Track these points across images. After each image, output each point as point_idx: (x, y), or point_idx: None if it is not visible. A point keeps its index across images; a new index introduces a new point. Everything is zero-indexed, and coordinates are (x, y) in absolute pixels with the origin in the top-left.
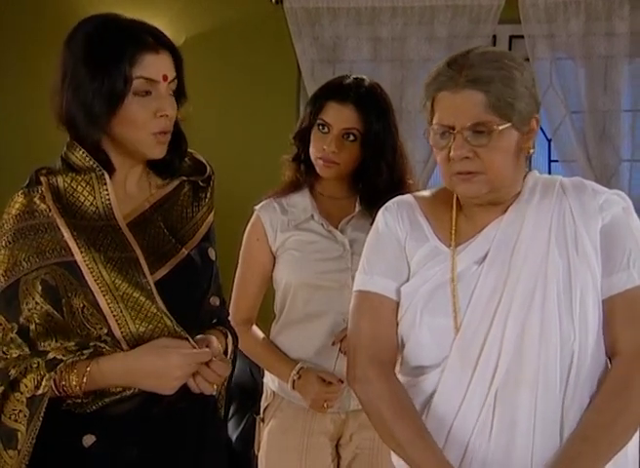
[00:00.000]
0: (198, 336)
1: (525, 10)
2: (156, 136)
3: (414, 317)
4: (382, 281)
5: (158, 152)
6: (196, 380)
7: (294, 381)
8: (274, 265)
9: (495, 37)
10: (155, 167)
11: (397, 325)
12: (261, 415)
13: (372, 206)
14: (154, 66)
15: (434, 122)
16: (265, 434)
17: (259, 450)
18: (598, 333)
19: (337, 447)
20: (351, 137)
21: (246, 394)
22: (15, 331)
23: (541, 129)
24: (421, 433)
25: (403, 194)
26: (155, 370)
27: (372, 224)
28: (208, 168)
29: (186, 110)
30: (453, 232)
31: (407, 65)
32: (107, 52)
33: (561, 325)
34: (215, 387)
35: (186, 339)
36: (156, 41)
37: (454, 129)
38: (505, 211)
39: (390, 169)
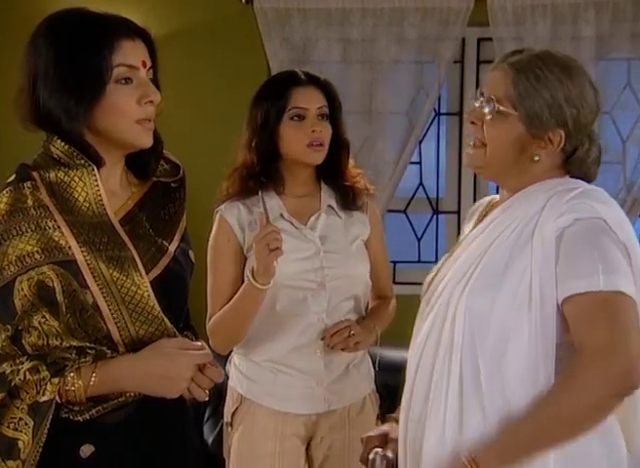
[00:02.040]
0: (197, 343)
1: (493, 13)
2: (141, 123)
3: None
4: None
5: (147, 140)
6: (190, 387)
7: (252, 274)
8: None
9: (464, 39)
10: (132, 167)
11: None
12: (229, 420)
13: (335, 182)
14: (132, 53)
15: None
16: (236, 440)
17: (228, 456)
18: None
19: (307, 449)
20: (325, 117)
21: (221, 397)
22: (9, 333)
23: None
24: None
25: (347, 165)
26: (165, 373)
27: (340, 217)
28: (181, 170)
29: (159, 106)
30: (474, 222)
31: (377, 67)
32: (84, 42)
33: (475, 312)
34: (207, 393)
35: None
36: (129, 28)
37: (482, 96)
38: None
39: (347, 142)
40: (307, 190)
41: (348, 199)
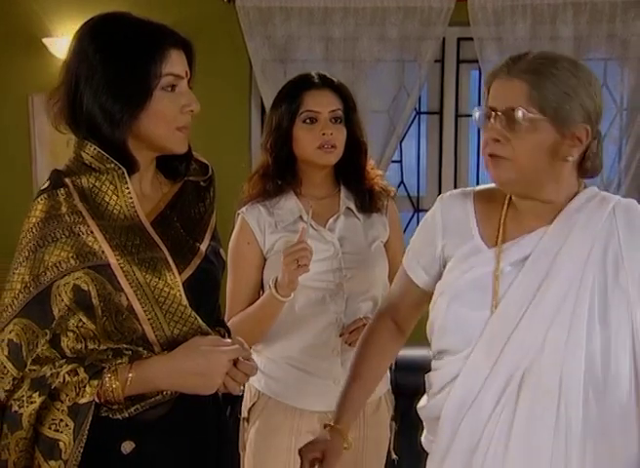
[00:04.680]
0: (227, 340)
1: (474, 13)
2: (181, 130)
3: (444, 306)
4: (410, 259)
5: (184, 147)
6: (225, 380)
7: (276, 285)
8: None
9: (444, 39)
10: (162, 168)
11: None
12: (246, 415)
13: (354, 184)
14: (179, 62)
15: (484, 104)
16: (252, 434)
17: (244, 451)
18: (632, 368)
19: None
20: (339, 120)
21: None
22: (48, 337)
23: None
24: (353, 376)
25: (366, 167)
26: (200, 370)
27: (359, 219)
28: (210, 169)
29: None
30: (501, 231)
31: (358, 66)
32: (135, 48)
33: (588, 344)
34: (241, 387)
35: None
36: (176, 38)
37: (496, 111)
38: (553, 220)
39: (365, 144)
40: (326, 192)
41: (366, 201)
